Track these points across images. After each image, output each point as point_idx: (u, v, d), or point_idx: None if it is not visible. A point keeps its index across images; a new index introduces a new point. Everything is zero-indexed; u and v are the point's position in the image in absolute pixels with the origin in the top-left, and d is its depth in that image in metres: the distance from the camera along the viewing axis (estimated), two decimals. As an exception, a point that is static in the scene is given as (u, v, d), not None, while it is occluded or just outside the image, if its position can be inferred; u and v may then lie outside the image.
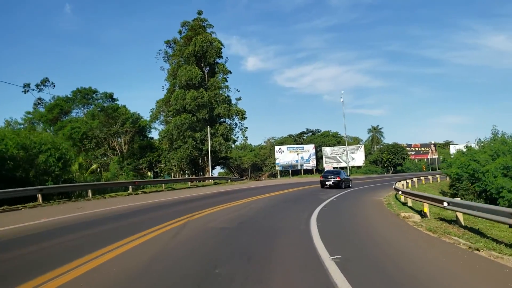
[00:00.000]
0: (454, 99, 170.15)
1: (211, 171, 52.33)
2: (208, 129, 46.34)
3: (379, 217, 13.00)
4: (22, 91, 55.62)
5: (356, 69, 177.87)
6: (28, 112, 58.96)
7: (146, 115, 57.95)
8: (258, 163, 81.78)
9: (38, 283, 4.94)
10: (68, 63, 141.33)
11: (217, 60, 50.42)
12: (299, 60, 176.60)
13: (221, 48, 49.16)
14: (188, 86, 47.37)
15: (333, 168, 66.27)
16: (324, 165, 71.22)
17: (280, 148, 72.81)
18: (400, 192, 16.73)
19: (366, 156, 77.27)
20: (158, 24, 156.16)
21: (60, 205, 17.10)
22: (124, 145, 54.53)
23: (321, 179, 27.69)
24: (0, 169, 19.71)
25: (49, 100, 59.07)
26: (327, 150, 74.29)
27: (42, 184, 21.37)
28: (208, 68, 50.68)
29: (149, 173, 57.81)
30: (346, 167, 64.29)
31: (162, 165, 53.94)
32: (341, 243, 7.96)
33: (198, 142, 48.09)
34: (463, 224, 9.88)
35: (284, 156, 71.36)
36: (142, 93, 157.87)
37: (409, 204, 16.08)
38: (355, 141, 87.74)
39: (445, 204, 9.90)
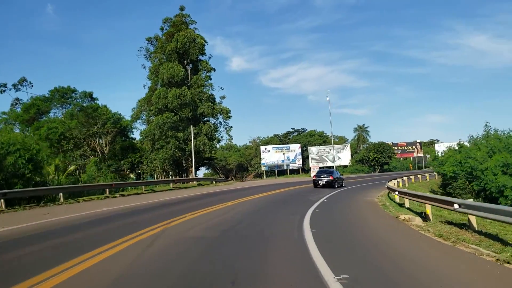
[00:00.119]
0: (437, 98, 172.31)
1: (195, 172, 50.72)
2: (192, 128, 44.68)
3: (377, 220, 11.83)
4: (-2, 91, 52.95)
5: (341, 69, 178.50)
6: (4, 113, 56.50)
7: (129, 116, 55.96)
8: (244, 164, 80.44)
9: None
10: (48, 63, 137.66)
11: (200, 57, 48.84)
12: (284, 61, 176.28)
13: (204, 45, 47.55)
14: (170, 84, 45.66)
15: (320, 167, 65.40)
16: (310, 164, 70.25)
17: (265, 148, 71.62)
18: (396, 193, 15.61)
19: (352, 155, 76.71)
20: (141, 24, 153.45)
21: (26, 211, 15.47)
22: (105, 146, 52.55)
23: (314, 178, 27.40)
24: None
25: (27, 100, 56.82)
26: (313, 150, 73.39)
27: (11, 187, 19.65)
28: (191, 66, 49.01)
29: (131, 175, 55.91)
30: (333, 167, 63.43)
31: (145, 167, 52.08)
32: (343, 256, 6.71)
33: (181, 142, 46.39)
34: (476, 228, 8.75)
35: (270, 156, 70.22)
36: (126, 94, 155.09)
37: (407, 205, 15.00)
38: (341, 140, 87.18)
39: (456, 206, 8.76)
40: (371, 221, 11.76)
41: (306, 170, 70.83)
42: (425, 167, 77.11)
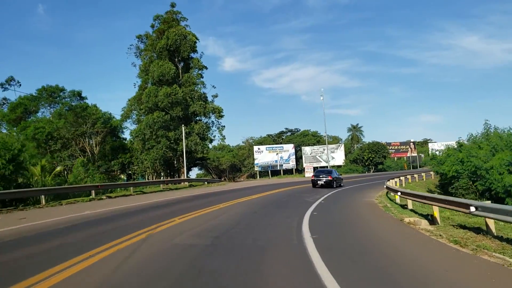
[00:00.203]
0: (430, 98, 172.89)
1: (188, 172, 49.56)
2: (183, 127, 43.47)
3: (381, 224, 10.94)
4: (-15, 91, 51.41)
5: (333, 69, 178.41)
6: (-10, 112, 54.77)
7: (120, 116, 54.65)
8: (237, 164, 79.44)
9: None
10: (37, 63, 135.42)
11: (192, 54, 47.56)
12: (277, 61, 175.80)
13: (195, 42, 46.31)
14: (161, 82, 44.45)
15: (313, 167, 64.61)
16: (304, 165, 69.48)
17: (259, 148, 70.65)
18: (398, 193, 14.76)
19: (346, 155, 76.05)
20: (132, 24, 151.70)
21: (1, 215, 14.36)
22: (96, 147, 51.19)
23: (313, 178, 27.23)
24: None
25: (15, 100, 55.26)
26: (306, 150, 72.56)
27: (-10, 190, 18.48)
28: (182, 64, 47.78)
29: (122, 176, 54.60)
30: (327, 167, 62.69)
31: (135, 167, 50.77)
32: (353, 269, 5.79)
33: (172, 141, 45.17)
34: (495, 234, 7.89)
35: (263, 156, 69.27)
36: (119, 95, 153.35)
37: (410, 206, 14.16)
38: (335, 140, 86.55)
39: (472, 209, 7.89)
40: (375, 224, 10.88)
41: (300, 170, 70.02)
42: (420, 167, 76.70)
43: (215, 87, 61.09)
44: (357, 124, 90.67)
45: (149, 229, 9.45)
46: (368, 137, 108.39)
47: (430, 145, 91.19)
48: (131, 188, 25.85)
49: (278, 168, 69.61)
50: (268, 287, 4.95)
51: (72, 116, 48.73)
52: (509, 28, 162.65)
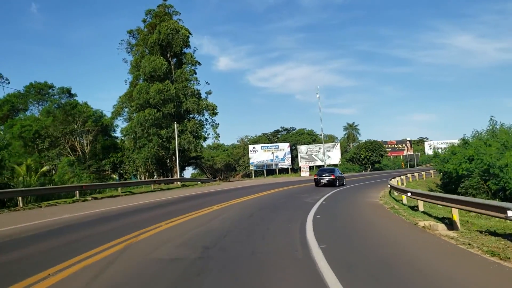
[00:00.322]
0: (424, 97, 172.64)
1: (181, 171, 48.09)
2: (175, 125, 41.95)
3: (395, 229, 9.70)
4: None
5: (327, 69, 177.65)
6: (-23, 111, 53.01)
7: (111, 113, 52.98)
8: (232, 163, 78.17)
9: None
10: (28, 61, 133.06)
11: (185, 49, 45.94)
12: (271, 60, 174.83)
13: (188, 37, 44.69)
14: (153, 79, 42.89)
15: (309, 167, 63.47)
16: (300, 164, 68.20)
17: (254, 147, 69.34)
18: (409, 194, 13.55)
19: (342, 154, 74.95)
20: (125, 22, 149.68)
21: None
22: (87, 146, 49.60)
23: (316, 177, 27.21)
24: None
25: (3, 97, 53.63)
26: (302, 149, 71.32)
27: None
28: (175, 59, 46.21)
29: (114, 176, 53.04)
30: (323, 166, 61.55)
31: (127, 167, 49.20)
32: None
33: (164, 140, 43.61)
34: (538, 243, 6.65)
35: (259, 155, 67.98)
36: (114, 94, 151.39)
37: (421, 208, 12.94)
38: (331, 139, 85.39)
39: (510, 213, 6.65)
40: (388, 230, 9.64)
41: (295, 169, 68.82)
42: (417, 165, 75.85)
43: (208, 84, 58.75)
44: (353, 122, 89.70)
45: (130, 237, 8.15)
46: (363, 136, 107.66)
47: (426, 143, 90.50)
48: (119, 188, 24.45)
49: (274, 167, 68.37)
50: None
51: (61, 114, 47.14)
52: (502, 28, 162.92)
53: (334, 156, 71.44)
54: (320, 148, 67.84)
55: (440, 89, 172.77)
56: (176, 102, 43.29)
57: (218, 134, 48.04)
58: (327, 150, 69.79)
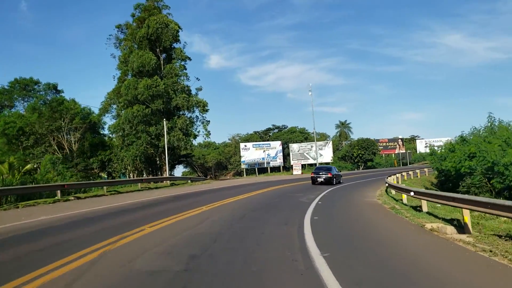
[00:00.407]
0: (415, 96, 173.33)
1: (171, 170, 46.93)
2: (165, 122, 40.76)
3: (402, 232, 8.87)
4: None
5: (319, 67, 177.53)
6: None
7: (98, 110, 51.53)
8: (223, 162, 77.15)
9: None
10: (16, 59, 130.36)
11: (174, 44, 44.62)
12: (262, 59, 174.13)
13: (178, 31, 43.39)
14: (141, 74, 41.60)
15: (301, 165, 62.74)
16: (292, 162, 67.48)
17: (245, 146, 68.32)
18: (411, 193, 12.76)
19: (334, 152, 74.36)
20: (115, 20, 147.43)
21: None
22: (75, 143, 48.18)
23: (312, 175, 27.14)
24: None
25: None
26: (294, 147, 70.53)
27: None
28: (164, 54, 44.93)
29: (102, 174, 51.68)
30: (315, 164, 60.85)
31: (115, 165, 47.88)
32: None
33: (153, 137, 42.38)
34: None
35: (250, 153, 67.00)
36: (103, 92, 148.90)
37: (424, 209, 12.15)
38: (322, 137, 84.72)
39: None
40: (395, 234, 8.80)
41: (287, 167, 68.04)
42: (410, 163, 75.61)
43: (199, 80, 57.43)
44: (346, 120, 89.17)
45: (108, 243, 7.22)
46: (355, 134, 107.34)
47: (418, 141, 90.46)
48: (105, 187, 23.34)
49: (265, 166, 67.48)
50: None
51: (47, 110, 45.70)
52: (492, 27, 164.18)
53: (326, 154, 70.79)
54: (312, 146, 67.12)
55: (431, 88, 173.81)
56: (166, 98, 42.08)
57: (209, 131, 46.85)
58: (319, 148, 69.10)
